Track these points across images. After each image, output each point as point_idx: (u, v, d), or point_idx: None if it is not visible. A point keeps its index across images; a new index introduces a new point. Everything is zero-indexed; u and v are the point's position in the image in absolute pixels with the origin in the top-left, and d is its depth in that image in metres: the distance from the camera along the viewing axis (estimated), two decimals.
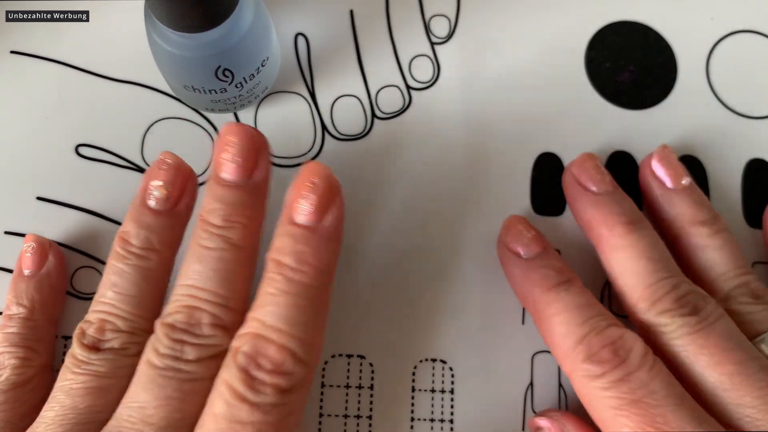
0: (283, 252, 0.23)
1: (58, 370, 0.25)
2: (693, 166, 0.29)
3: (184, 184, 0.25)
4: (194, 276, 0.24)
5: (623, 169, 0.29)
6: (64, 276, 0.28)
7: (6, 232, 0.28)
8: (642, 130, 0.30)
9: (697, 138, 0.30)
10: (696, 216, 0.26)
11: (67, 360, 0.24)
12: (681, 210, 0.27)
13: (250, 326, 0.22)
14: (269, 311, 0.22)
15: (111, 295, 0.24)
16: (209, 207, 0.24)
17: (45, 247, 0.27)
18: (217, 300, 0.23)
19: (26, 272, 0.27)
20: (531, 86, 0.30)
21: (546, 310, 0.25)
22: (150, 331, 0.24)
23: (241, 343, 0.22)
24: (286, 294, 0.22)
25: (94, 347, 0.24)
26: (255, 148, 0.24)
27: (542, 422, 0.26)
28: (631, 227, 0.25)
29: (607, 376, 0.23)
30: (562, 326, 0.24)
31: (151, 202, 0.25)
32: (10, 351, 0.25)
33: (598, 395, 0.23)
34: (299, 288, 0.23)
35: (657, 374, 0.23)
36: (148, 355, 0.23)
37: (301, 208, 0.23)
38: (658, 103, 0.30)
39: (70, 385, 0.23)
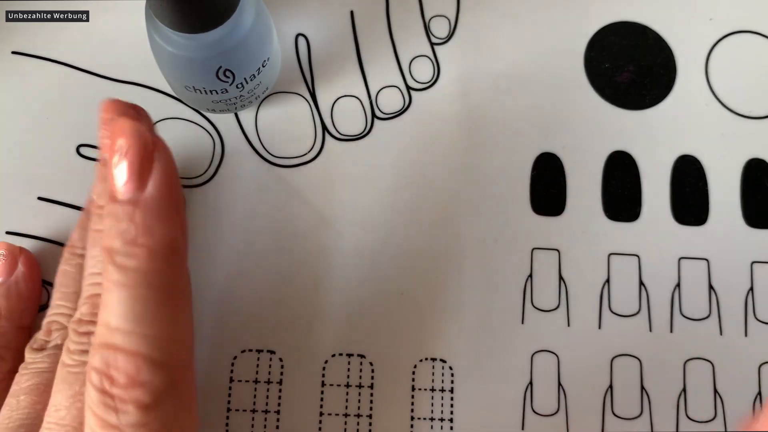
0: (109, 236, 0.19)
1: None
2: (692, 166, 0.30)
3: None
4: (92, 263, 0.22)
5: (622, 169, 0.29)
6: (35, 284, 0.27)
7: (7, 232, 0.28)
8: (641, 131, 0.30)
9: (697, 138, 0.30)
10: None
11: (19, 368, 0.24)
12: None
13: (97, 334, 0.19)
14: (110, 311, 0.19)
15: (57, 296, 0.25)
16: (99, 190, 0.23)
17: (15, 255, 0.27)
18: (94, 281, 0.21)
19: None
20: (530, 86, 0.30)
21: None
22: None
23: (92, 357, 0.19)
24: (124, 286, 0.18)
25: (41, 348, 0.24)
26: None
27: None
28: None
29: None
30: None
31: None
32: None
33: None
34: (137, 276, 0.18)
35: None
36: (62, 356, 0.22)
37: (116, 180, 0.19)
38: (658, 103, 0.30)
39: (15, 388, 0.23)
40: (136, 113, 0.22)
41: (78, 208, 0.29)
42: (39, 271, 0.28)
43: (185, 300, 0.20)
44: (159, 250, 0.19)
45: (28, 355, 0.24)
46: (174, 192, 0.19)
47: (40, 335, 0.25)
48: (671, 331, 0.28)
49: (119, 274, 0.18)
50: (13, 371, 0.26)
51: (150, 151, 0.19)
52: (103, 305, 0.19)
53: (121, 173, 0.18)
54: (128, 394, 0.18)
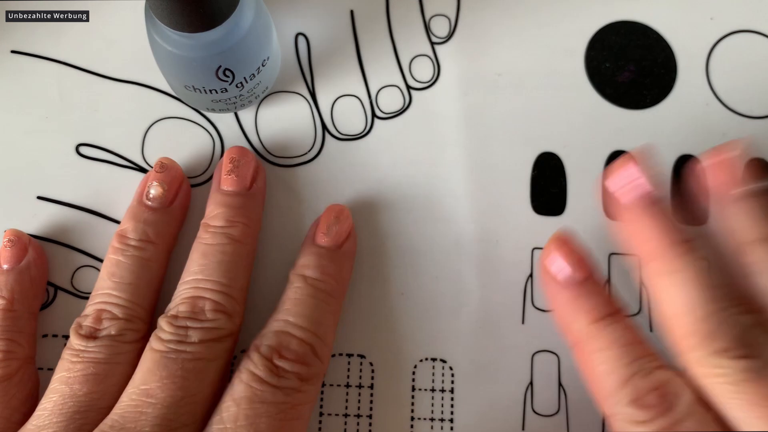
0: (308, 267, 0.26)
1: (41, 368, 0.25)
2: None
3: (179, 185, 0.28)
4: (196, 269, 0.25)
5: None
6: (44, 270, 0.28)
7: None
8: (642, 130, 0.30)
9: (697, 138, 0.30)
10: (759, 232, 0.23)
11: (64, 353, 0.24)
12: (739, 224, 0.23)
13: (273, 325, 0.25)
14: (294, 311, 0.25)
15: (108, 284, 0.25)
16: (212, 214, 0.26)
17: (24, 242, 0.27)
18: (219, 288, 0.25)
19: (5, 266, 0.27)
20: (531, 86, 0.30)
21: (589, 344, 0.23)
22: (146, 320, 0.25)
23: (265, 338, 0.24)
24: (310, 297, 0.25)
25: (91, 336, 0.24)
26: (254, 166, 0.27)
27: None
28: (678, 250, 0.23)
29: (652, 423, 0.21)
30: (606, 363, 0.23)
31: (148, 200, 0.27)
32: None
33: None
34: (321, 294, 0.25)
35: (706, 424, 0.21)
36: (152, 343, 0.24)
37: (328, 234, 0.27)
38: (658, 102, 0.30)
39: (67, 375, 0.24)
40: (252, 159, 0.28)
41: (78, 207, 0.29)
42: (46, 258, 0.28)
43: (337, 322, 0.26)
44: (340, 283, 0.26)
45: (77, 341, 0.24)
46: (355, 248, 0.28)
47: (87, 322, 0.25)
48: None
49: (310, 290, 0.25)
50: (30, 357, 0.26)
51: (350, 224, 0.27)
52: (285, 308, 0.25)
53: (333, 232, 0.27)
54: (293, 368, 0.23)
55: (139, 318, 0.25)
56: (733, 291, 0.22)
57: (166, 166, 0.27)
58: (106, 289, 0.25)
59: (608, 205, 0.25)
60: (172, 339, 0.24)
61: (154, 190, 0.27)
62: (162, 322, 0.24)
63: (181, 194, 0.28)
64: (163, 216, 0.27)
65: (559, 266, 0.25)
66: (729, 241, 0.24)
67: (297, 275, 0.26)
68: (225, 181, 0.27)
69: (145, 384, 0.23)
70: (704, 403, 0.22)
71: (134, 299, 0.25)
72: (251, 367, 0.23)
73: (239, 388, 0.23)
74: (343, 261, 0.27)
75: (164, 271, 0.27)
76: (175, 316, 0.24)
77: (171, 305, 0.25)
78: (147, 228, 0.26)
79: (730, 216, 0.24)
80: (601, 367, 0.23)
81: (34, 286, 0.27)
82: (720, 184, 0.24)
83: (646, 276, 0.24)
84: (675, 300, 0.22)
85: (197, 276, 0.25)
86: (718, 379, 0.21)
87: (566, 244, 0.25)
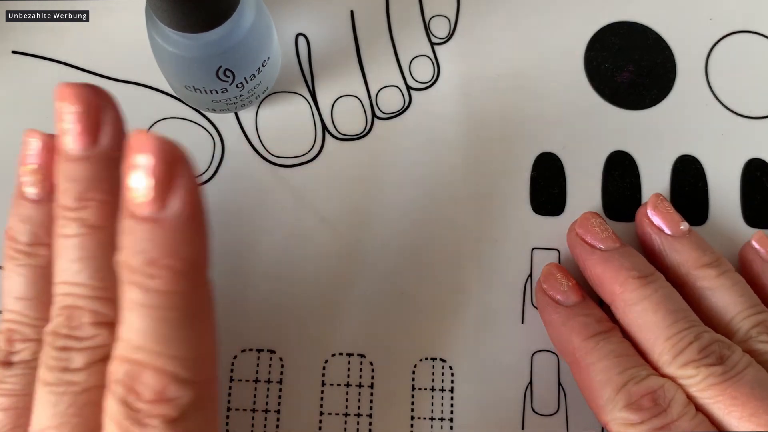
0: (128, 254, 0.18)
1: None
2: (692, 166, 0.30)
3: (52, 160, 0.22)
4: (61, 268, 0.20)
5: (622, 169, 0.29)
6: None
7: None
8: (641, 131, 0.30)
9: (696, 138, 0.30)
10: (700, 259, 0.26)
11: None
12: (684, 255, 0.26)
13: (118, 347, 0.19)
14: (134, 329, 0.18)
15: (11, 302, 0.22)
16: (61, 188, 0.20)
17: None
18: (92, 293, 0.20)
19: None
20: (530, 86, 0.30)
21: (585, 358, 0.25)
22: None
23: (114, 369, 0.18)
24: (147, 308, 0.18)
25: (7, 362, 0.21)
26: (95, 106, 0.20)
27: None
28: (644, 280, 0.25)
29: (647, 424, 0.22)
30: (601, 375, 0.24)
31: (28, 191, 0.22)
32: None
33: None
34: (160, 298, 0.18)
35: (699, 424, 0.22)
36: (40, 372, 0.20)
37: (136, 195, 0.18)
38: (657, 103, 0.30)
39: None
40: (107, 101, 0.21)
41: None
42: None
43: (210, 317, 0.19)
44: (183, 271, 0.18)
45: None
46: (199, 208, 0.18)
47: (6, 347, 0.21)
48: None
49: (141, 295, 0.18)
50: None
51: (175, 167, 0.18)
52: (124, 322, 0.18)
53: (142, 189, 0.17)
54: (155, 409, 0.18)
55: None
56: (691, 314, 0.25)
57: (35, 145, 0.22)
58: (11, 307, 0.22)
59: (576, 248, 0.27)
60: (55, 366, 0.19)
61: (28, 178, 0.22)
62: (45, 340, 0.20)
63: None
64: (48, 208, 0.22)
65: (555, 291, 0.27)
66: (680, 270, 0.26)
67: (121, 264, 0.19)
68: (61, 138, 0.20)
69: (41, 426, 0.19)
70: (696, 406, 0.23)
71: (41, 314, 0.21)
72: (113, 415, 0.18)
73: None
74: (178, 235, 0.18)
75: None
76: (56, 333, 0.20)
77: (52, 314, 0.20)
78: (35, 228, 0.22)
79: (678, 249, 0.27)
80: (596, 378, 0.24)
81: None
82: (663, 225, 0.27)
83: (618, 308, 0.26)
84: (646, 325, 0.25)
85: (64, 278, 0.20)
86: (693, 387, 0.23)
87: (561, 270, 0.27)
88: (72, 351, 0.20)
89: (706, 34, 0.31)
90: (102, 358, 0.20)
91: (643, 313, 0.25)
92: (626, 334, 0.25)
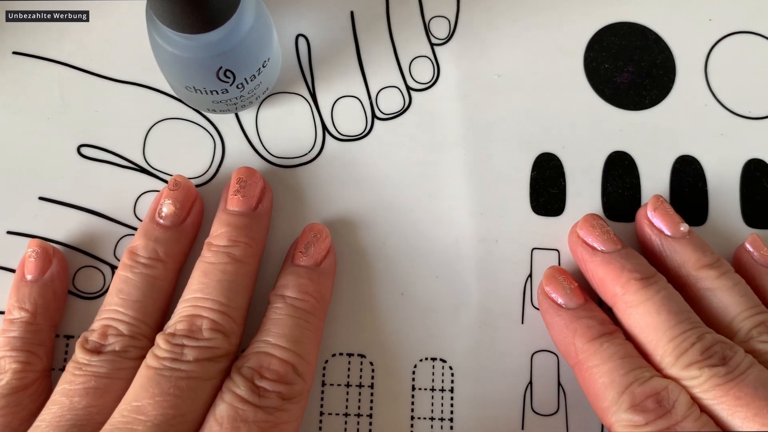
0: (287, 287, 0.26)
1: (59, 373, 0.25)
2: (691, 166, 0.30)
3: (192, 203, 0.28)
4: (196, 287, 0.25)
5: (622, 169, 0.30)
6: (66, 282, 0.28)
7: (8, 232, 0.29)
8: (641, 131, 0.30)
9: (696, 138, 0.30)
10: (701, 260, 0.26)
11: (69, 365, 0.24)
12: (685, 256, 0.26)
13: (254, 347, 0.25)
14: (273, 332, 0.25)
15: (116, 301, 0.25)
16: (216, 233, 0.27)
17: (48, 253, 0.27)
18: (217, 307, 0.25)
19: (29, 277, 0.27)
20: (530, 87, 0.30)
21: (588, 360, 0.25)
22: (151, 337, 0.25)
23: (246, 360, 0.24)
24: (289, 317, 0.25)
25: (96, 351, 0.24)
26: (260, 186, 0.28)
27: None
28: (645, 282, 0.25)
29: (651, 425, 0.22)
30: (605, 377, 0.24)
31: (160, 218, 0.27)
32: (12, 355, 0.25)
33: None
34: (301, 313, 0.25)
35: (703, 425, 0.22)
36: (147, 359, 0.24)
37: (306, 253, 0.27)
38: (657, 103, 0.30)
39: (68, 387, 0.24)
40: (263, 181, 0.28)
41: (79, 208, 0.29)
42: (67, 269, 0.28)
43: (320, 340, 0.26)
44: (320, 301, 0.26)
45: (82, 355, 0.24)
46: (335, 265, 0.28)
47: (93, 337, 0.25)
48: None
49: (289, 310, 0.25)
50: (47, 369, 0.26)
51: (329, 241, 0.28)
52: (266, 329, 0.25)
53: (310, 253, 0.27)
54: (274, 387, 0.23)
55: (144, 335, 0.25)
56: (693, 315, 0.25)
57: (179, 184, 0.27)
58: (114, 306, 0.25)
59: (578, 250, 0.28)
60: (167, 356, 0.24)
61: (167, 209, 0.27)
62: (159, 339, 0.24)
63: (193, 212, 0.28)
64: (174, 234, 0.27)
65: (557, 294, 0.27)
66: (680, 271, 0.26)
67: (276, 296, 0.26)
68: (231, 201, 0.27)
69: (137, 401, 0.23)
70: (700, 407, 0.23)
71: (140, 317, 0.25)
72: (233, 387, 0.23)
73: (221, 408, 0.23)
74: (321, 279, 0.27)
75: (173, 289, 0.27)
76: (173, 334, 0.24)
77: (170, 323, 0.25)
78: (157, 246, 0.26)
79: (679, 250, 0.27)
80: (600, 380, 0.24)
81: (57, 298, 0.27)
82: (663, 226, 0.27)
83: (620, 310, 0.26)
84: (648, 327, 0.25)
85: (197, 294, 0.25)
86: (697, 388, 0.23)
87: (563, 273, 0.27)
88: (185, 347, 0.24)
89: (706, 35, 0.31)
90: (212, 358, 0.24)
91: (646, 314, 0.25)
92: (628, 336, 0.25)
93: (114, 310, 0.25)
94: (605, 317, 0.26)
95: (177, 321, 0.25)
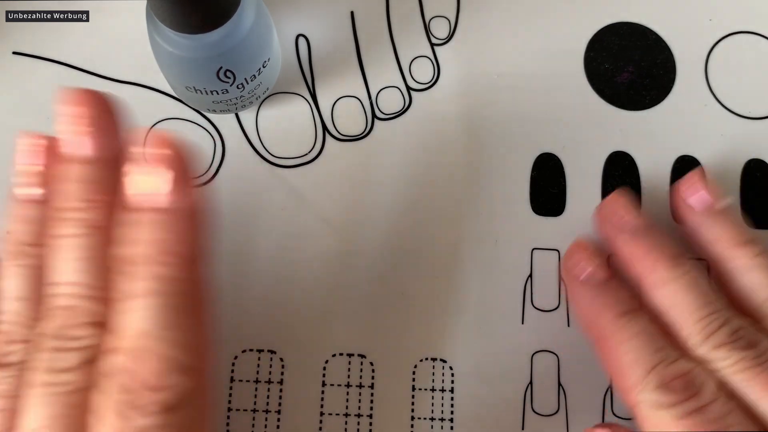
0: (142, 244, 0.19)
1: None
2: (692, 166, 0.30)
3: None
4: (58, 270, 0.20)
5: (622, 169, 0.30)
6: None
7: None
8: (641, 131, 0.30)
9: (696, 139, 0.30)
10: (737, 238, 0.25)
11: None
12: (720, 232, 0.26)
13: (120, 338, 0.19)
14: (140, 317, 0.19)
15: (9, 302, 0.22)
16: (64, 189, 0.21)
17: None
18: (89, 293, 0.20)
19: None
20: (530, 87, 0.30)
21: (614, 337, 0.24)
22: None
23: (116, 358, 0.19)
24: (155, 294, 0.19)
25: (1, 364, 0.21)
26: (105, 111, 0.21)
27: None
28: (675, 261, 0.25)
29: (681, 406, 0.22)
30: (631, 354, 0.24)
31: (32, 192, 0.22)
32: None
33: (669, 423, 0.22)
34: (170, 284, 0.19)
35: (733, 409, 0.22)
36: (32, 373, 0.20)
37: (154, 188, 0.19)
38: (657, 103, 0.30)
39: None
40: (114, 106, 0.21)
41: None
42: None
43: (208, 308, 0.20)
44: (191, 259, 0.19)
45: None
46: (200, 201, 0.20)
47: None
48: None
49: (153, 282, 0.19)
50: None
51: (189, 163, 0.20)
52: (129, 312, 0.19)
53: (162, 183, 0.19)
54: (156, 396, 0.18)
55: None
56: (720, 297, 0.24)
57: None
58: (7, 307, 0.21)
59: (605, 228, 0.27)
60: (46, 367, 0.19)
61: (33, 179, 0.22)
62: (39, 340, 0.20)
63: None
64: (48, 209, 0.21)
65: (583, 267, 0.26)
66: (711, 250, 0.26)
67: (129, 254, 0.20)
68: (70, 141, 0.21)
69: (33, 427, 0.19)
70: (728, 391, 0.23)
71: (37, 315, 0.21)
72: (109, 401, 0.19)
73: (110, 423, 0.18)
74: (189, 226, 0.20)
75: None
76: (50, 335, 0.20)
77: (43, 314, 0.20)
78: (38, 228, 0.21)
79: (711, 228, 0.26)
80: (626, 357, 0.24)
81: None
82: (699, 202, 0.27)
83: (647, 289, 0.25)
84: (675, 306, 0.24)
85: (58, 279, 0.20)
86: (725, 370, 0.23)
87: (589, 247, 0.27)
88: (66, 351, 0.19)
89: (706, 35, 0.31)
90: (93, 359, 0.19)
91: (673, 294, 0.24)
92: (654, 316, 0.25)
93: (11, 311, 0.21)
94: (632, 293, 0.25)
95: (50, 314, 0.20)
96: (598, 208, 0.28)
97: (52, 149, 0.22)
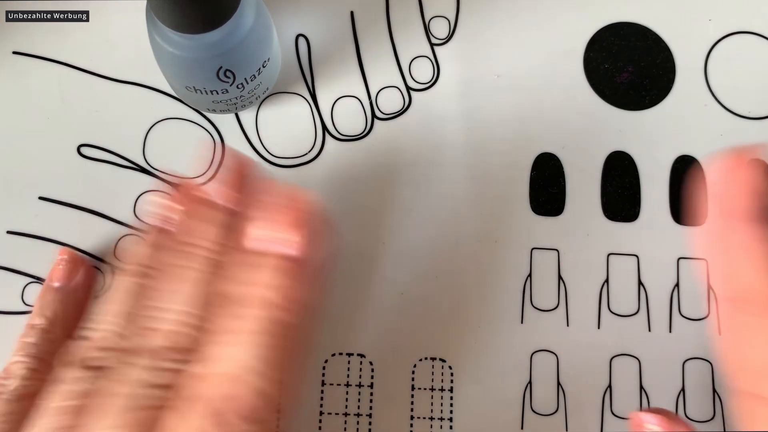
0: (263, 287, 0.21)
1: None
2: (691, 166, 0.30)
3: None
4: (170, 294, 0.22)
5: (621, 169, 0.30)
6: (89, 295, 0.28)
7: (8, 232, 0.29)
8: (640, 131, 0.30)
9: (696, 139, 0.30)
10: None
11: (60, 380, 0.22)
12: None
13: (223, 365, 0.20)
14: (247, 351, 0.20)
15: (112, 312, 0.22)
16: (197, 227, 0.22)
17: (77, 263, 0.27)
18: (190, 321, 0.21)
19: (55, 284, 0.27)
20: (530, 87, 0.30)
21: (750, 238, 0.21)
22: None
23: (217, 383, 0.20)
24: (267, 334, 0.20)
25: (87, 366, 0.22)
26: (245, 169, 0.23)
27: (650, 420, 0.22)
28: None
29: None
30: None
31: (166, 224, 0.23)
32: (24, 361, 0.25)
33: None
34: (283, 329, 0.20)
35: None
36: (115, 382, 0.21)
37: (285, 237, 0.21)
38: (657, 104, 0.30)
39: (57, 405, 0.21)
40: (257, 171, 0.24)
41: (80, 208, 0.29)
42: (94, 282, 0.28)
43: (302, 353, 0.22)
44: (306, 309, 0.21)
45: (74, 372, 0.21)
46: (323, 257, 0.22)
47: (91, 353, 0.22)
48: (670, 331, 0.28)
49: (268, 324, 0.20)
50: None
51: (317, 224, 0.21)
52: (239, 343, 0.20)
53: (294, 233, 0.21)
54: (245, 425, 0.19)
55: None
56: None
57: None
58: (109, 316, 0.22)
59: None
60: (138, 380, 0.20)
61: (173, 214, 0.23)
62: (135, 352, 0.21)
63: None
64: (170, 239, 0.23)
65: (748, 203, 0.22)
66: None
67: (253, 298, 0.21)
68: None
69: (104, 426, 0.20)
70: None
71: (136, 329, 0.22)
72: (199, 422, 0.19)
73: None
74: (309, 277, 0.22)
75: None
76: (147, 351, 0.21)
77: (145, 332, 0.21)
78: (159, 254, 0.23)
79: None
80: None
81: (78, 309, 0.27)
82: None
83: (742, 239, 0.22)
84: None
85: (171, 305, 0.22)
86: None
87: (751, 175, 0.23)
88: (157, 370, 0.21)
89: (706, 35, 0.31)
90: (178, 382, 0.20)
91: None
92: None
93: (110, 321, 0.22)
94: None
95: (166, 336, 0.21)
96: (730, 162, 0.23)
97: (188, 188, 0.23)
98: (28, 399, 0.25)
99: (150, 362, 0.21)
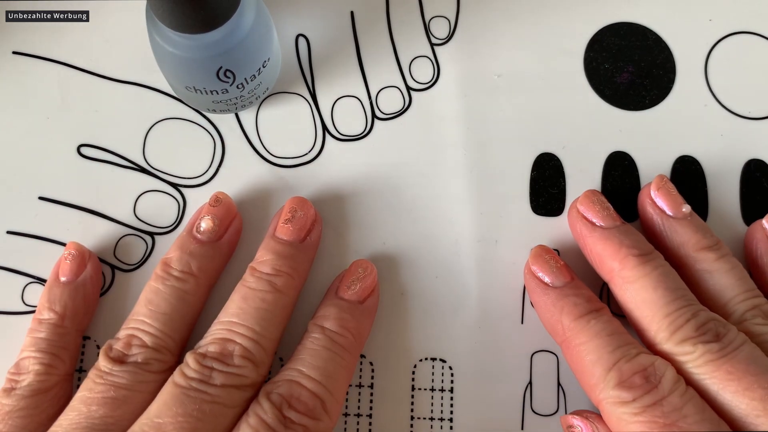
0: (327, 318, 0.26)
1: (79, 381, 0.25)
2: (691, 166, 0.30)
3: (231, 221, 0.28)
4: (234, 311, 0.25)
5: (621, 169, 0.30)
6: (98, 287, 0.28)
7: (8, 232, 0.29)
8: (640, 131, 0.30)
9: (696, 139, 0.30)
10: (701, 242, 0.26)
11: (91, 372, 0.24)
12: (685, 237, 0.26)
13: (286, 374, 0.24)
14: (308, 362, 0.24)
15: (144, 311, 0.25)
16: (261, 259, 0.26)
17: (84, 256, 0.27)
18: (251, 335, 0.25)
19: (62, 279, 0.27)
20: (530, 87, 0.30)
21: (575, 338, 0.25)
22: (175, 352, 0.25)
23: (276, 386, 0.24)
24: (325, 350, 0.25)
25: (118, 360, 0.24)
26: (312, 219, 0.27)
27: (576, 421, 0.25)
28: (643, 258, 0.25)
29: (638, 401, 0.23)
30: (592, 354, 0.24)
31: (198, 233, 0.27)
32: (36, 356, 0.25)
33: (629, 420, 0.23)
34: (337, 348, 0.25)
35: (690, 399, 0.23)
36: (174, 376, 0.24)
37: (351, 288, 0.27)
38: (657, 104, 0.30)
39: (88, 395, 0.24)
40: (317, 216, 0.28)
41: (79, 207, 0.29)
42: (101, 275, 0.28)
43: (350, 379, 0.26)
44: (358, 340, 0.26)
45: (105, 363, 0.24)
46: (376, 308, 0.27)
47: (117, 345, 0.25)
48: None
49: (327, 343, 0.25)
50: (69, 374, 0.26)
51: (375, 280, 0.27)
52: (300, 357, 0.25)
53: (358, 287, 0.27)
54: (301, 419, 0.23)
55: (168, 349, 0.25)
56: (688, 293, 0.25)
57: (220, 201, 0.27)
58: (141, 316, 0.25)
59: (577, 226, 0.27)
60: (195, 377, 0.23)
61: (205, 224, 0.27)
62: (189, 358, 0.24)
63: (230, 231, 0.27)
64: (209, 250, 0.27)
65: (543, 274, 0.27)
66: (680, 251, 0.27)
67: (315, 325, 0.26)
68: (280, 229, 0.27)
69: (159, 417, 0.23)
70: (690, 382, 0.23)
71: (167, 330, 0.25)
72: (259, 412, 0.23)
73: (245, 430, 0.23)
74: (363, 317, 0.26)
75: (202, 306, 0.27)
76: (203, 355, 0.24)
77: (202, 342, 0.25)
78: (191, 260, 0.26)
79: (679, 231, 0.27)
80: (587, 357, 0.24)
81: (87, 303, 0.27)
82: (665, 206, 0.27)
83: (616, 286, 0.26)
84: (645, 302, 0.25)
85: (233, 318, 0.25)
86: (689, 363, 0.24)
87: (548, 253, 0.27)
88: (214, 371, 0.24)
89: (706, 35, 0.31)
90: (239, 386, 0.24)
91: (642, 290, 0.25)
92: (623, 312, 0.26)
93: (141, 320, 0.25)
94: (592, 295, 0.26)
95: (209, 342, 0.24)
96: (571, 207, 0.28)
97: (229, 207, 0.28)
98: (42, 394, 0.25)
99: (219, 366, 0.24)
